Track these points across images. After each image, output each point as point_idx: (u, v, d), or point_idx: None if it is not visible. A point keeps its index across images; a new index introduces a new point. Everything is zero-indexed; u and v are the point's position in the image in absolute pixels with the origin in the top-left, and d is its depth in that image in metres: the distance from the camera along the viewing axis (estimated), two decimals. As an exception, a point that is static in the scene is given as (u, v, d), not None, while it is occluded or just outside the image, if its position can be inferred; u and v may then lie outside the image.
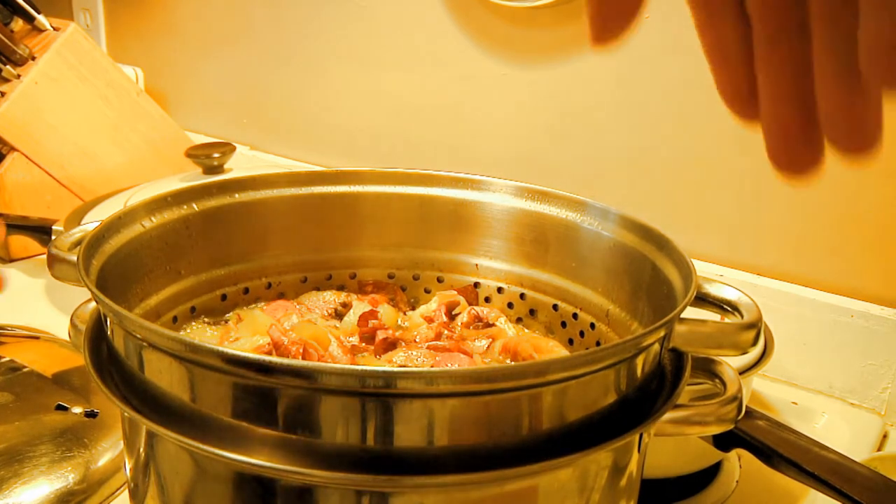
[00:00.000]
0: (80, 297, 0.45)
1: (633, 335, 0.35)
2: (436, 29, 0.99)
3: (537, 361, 0.41)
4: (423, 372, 0.34)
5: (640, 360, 0.36)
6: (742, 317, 0.39)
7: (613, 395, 0.35)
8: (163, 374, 0.34)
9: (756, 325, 0.37)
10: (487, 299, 0.55)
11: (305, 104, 1.16)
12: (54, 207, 0.99)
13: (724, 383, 0.40)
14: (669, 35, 0.83)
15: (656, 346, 0.37)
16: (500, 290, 0.55)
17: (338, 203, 0.54)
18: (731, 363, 0.42)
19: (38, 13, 1.03)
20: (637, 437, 0.37)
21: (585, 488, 0.36)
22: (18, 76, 0.98)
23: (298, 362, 0.37)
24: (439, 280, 0.56)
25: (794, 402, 0.76)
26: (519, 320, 0.54)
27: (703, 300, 0.41)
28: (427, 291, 0.56)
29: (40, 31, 1.03)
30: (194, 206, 0.49)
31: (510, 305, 0.54)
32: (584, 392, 0.34)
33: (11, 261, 1.00)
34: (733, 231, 0.83)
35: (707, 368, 0.41)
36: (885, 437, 0.73)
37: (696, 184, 0.83)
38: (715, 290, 0.41)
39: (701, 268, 0.83)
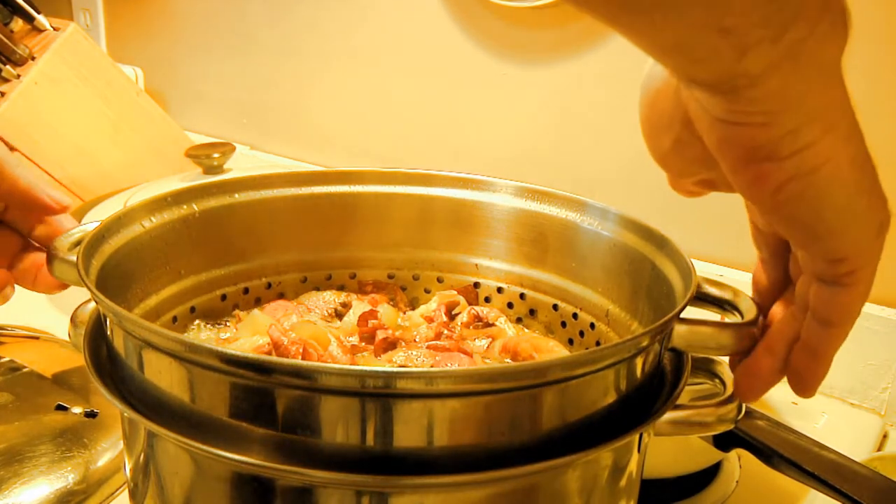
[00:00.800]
0: (80, 298, 0.45)
1: (633, 335, 0.35)
2: (436, 29, 0.99)
3: (538, 362, 0.41)
4: (422, 372, 0.34)
5: (639, 360, 0.36)
6: (742, 316, 0.38)
7: (613, 394, 0.35)
8: (162, 375, 0.34)
9: (755, 324, 0.37)
10: (487, 299, 0.55)
11: (305, 104, 1.16)
12: (54, 207, 0.99)
13: (724, 383, 0.40)
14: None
15: (656, 346, 0.37)
16: (499, 290, 0.55)
17: (338, 203, 0.54)
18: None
19: (38, 13, 1.03)
20: (637, 437, 0.37)
21: (585, 488, 0.35)
22: (18, 76, 0.98)
23: (298, 362, 0.37)
24: (439, 280, 0.56)
25: (794, 403, 0.76)
26: (519, 320, 0.54)
27: (702, 300, 0.41)
28: (427, 291, 0.56)
29: (40, 31, 1.03)
30: (194, 206, 0.49)
31: (510, 305, 0.54)
32: (585, 392, 0.34)
33: (11, 261, 1.00)
34: (733, 231, 0.83)
35: (707, 368, 0.41)
36: (885, 437, 0.73)
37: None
38: (715, 289, 0.41)
39: (701, 268, 0.83)
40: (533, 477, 0.34)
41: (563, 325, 0.52)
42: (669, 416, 0.37)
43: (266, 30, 1.17)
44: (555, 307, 0.52)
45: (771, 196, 0.31)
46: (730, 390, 0.39)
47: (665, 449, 0.59)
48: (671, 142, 0.35)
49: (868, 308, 0.75)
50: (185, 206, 0.49)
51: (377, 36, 1.05)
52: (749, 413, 0.51)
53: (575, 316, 0.51)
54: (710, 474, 0.65)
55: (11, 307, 0.91)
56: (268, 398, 0.32)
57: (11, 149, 0.97)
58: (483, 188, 0.53)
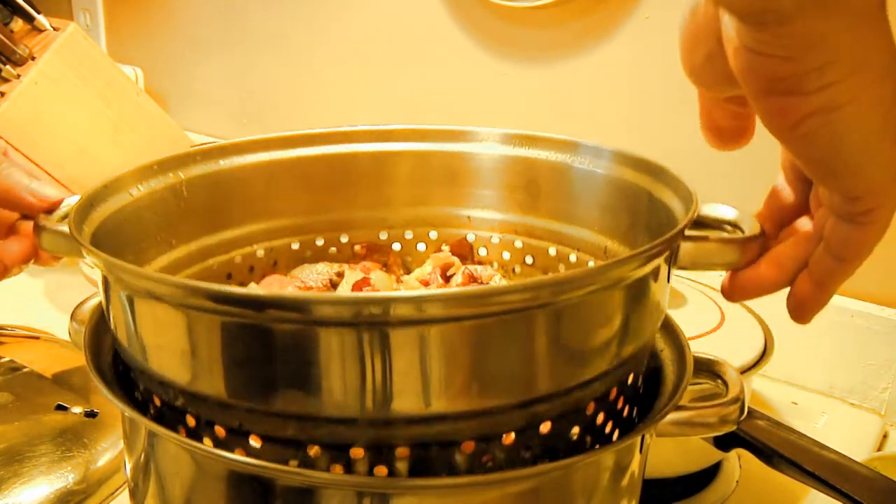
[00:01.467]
0: (81, 296, 0.45)
1: (639, 249, 0.34)
2: (436, 29, 0.99)
3: (543, 278, 0.40)
4: (416, 295, 0.32)
5: (648, 282, 0.35)
6: (744, 233, 0.38)
7: (622, 320, 0.34)
8: (163, 333, 0.34)
9: (759, 238, 0.37)
10: (482, 251, 0.54)
11: (305, 104, 1.16)
12: (54, 207, 0.99)
13: (725, 384, 0.40)
14: (670, 35, 0.83)
15: (664, 267, 0.37)
16: (494, 239, 0.53)
17: (326, 164, 0.53)
18: (731, 363, 0.42)
19: (38, 13, 1.03)
20: (639, 437, 0.37)
21: (588, 489, 0.35)
22: (18, 76, 0.98)
23: (295, 293, 0.35)
24: (432, 236, 0.55)
25: (794, 402, 0.76)
26: (514, 270, 0.53)
27: (703, 224, 0.40)
28: (420, 248, 0.55)
29: (40, 31, 1.03)
30: (180, 174, 0.48)
31: (505, 255, 0.53)
32: (593, 315, 0.33)
33: (11, 261, 1.00)
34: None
35: (709, 369, 0.41)
36: (885, 437, 0.73)
37: (695, 184, 0.83)
38: (712, 210, 0.40)
39: (701, 268, 0.83)
40: (535, 479, 0.34)
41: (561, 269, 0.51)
42: (672, 416, 0.37)
43: (266, 30, 1.17)
44: (551, 251, 0.51)
45: (789, 130, 0.31)
46: (732, 392, 0.39)
47: (665, 449, 0.59)
48: (704, 55, 0.35)
49: (868, 308, 0.75)
50: (171, 175, 0.48)
51: (377, 36, 1.05)
52: (749, 413, 0.51)
53: (572, 258, 0.50)
54: (710, 474, 0.65)
55: (11, 307, 0.91)
56: (266, 341, 0.31)
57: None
58: (470, 139, 0.52)
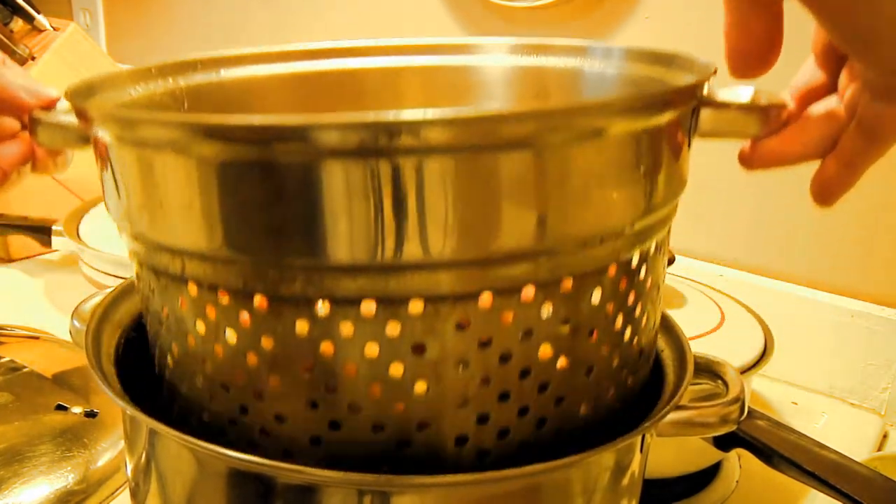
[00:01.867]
0: (80, 297, 0.45)
1: (655, 90, 0.32)
2: (436, 29, 0.99)
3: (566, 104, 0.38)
4: (426, 117, 0.29)
5: (662, 138, 0.34)
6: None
7: (636, 177, 0.33)
8: (164, 185, 0.32)
9: (783, 109, 0.36)
10: None
11: (305, 104, 1.16)
12: (54, 207, 0.99)
13: (726, 384, 0.40)
14: (668, 35, 0.83)
15: (682, 136, 0.36)
16: None
17: (332, 79, 0.51)
18: (731, 363, 0.42)
19: (38, 13, 1.03)
20: (640, 438, 0.37)
21: (588, 489, 0.36)
22: (18, 76, 0.98)
23: (297, 118, 0.33)
24: None
25: (794, 402, 0.76)
26: None
27: (718, 105, 0.38)
28: None
29: (40, 31, 1.03)
30: (180, 81, 0.46)
31: None
32: (605, 163, 0.32)
33: (11, 261, 1.00)
34: (733, 231, 0.83)
35: (709, 369, 0.41)
36: (885, 437, 0.73)
37: (696, 184, 0.83)
38: (731, 94, 0.38)
39: (700, 268, 0.83)
40: (535, 478, 0.34)
41: None
42: (672, 416, 0.37)
43: (266, 31, 1.17)
44: None
45: (824, 2, 0.30)
46: (732, 392, 0.39)
47: (665, 449, 0.59)
48: None
49: (868, 308, 0.75)
50: (170, 80, 0.46)
51: (377, 36, 1.05)
52: (749, 413, 0.51)
53: None
54: (710, 474, 0.65)
55: (11, 307, 0.91)
56: (269, 178, 0.29)
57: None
58: (476, 51, 0.51)
